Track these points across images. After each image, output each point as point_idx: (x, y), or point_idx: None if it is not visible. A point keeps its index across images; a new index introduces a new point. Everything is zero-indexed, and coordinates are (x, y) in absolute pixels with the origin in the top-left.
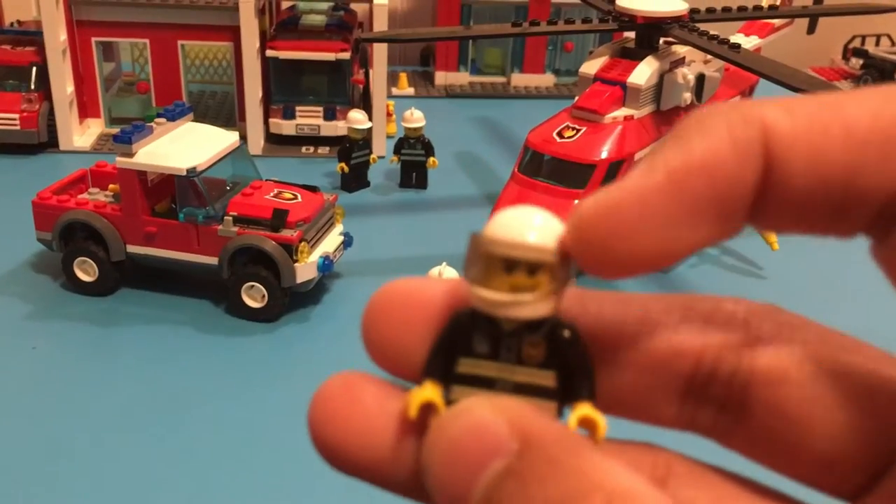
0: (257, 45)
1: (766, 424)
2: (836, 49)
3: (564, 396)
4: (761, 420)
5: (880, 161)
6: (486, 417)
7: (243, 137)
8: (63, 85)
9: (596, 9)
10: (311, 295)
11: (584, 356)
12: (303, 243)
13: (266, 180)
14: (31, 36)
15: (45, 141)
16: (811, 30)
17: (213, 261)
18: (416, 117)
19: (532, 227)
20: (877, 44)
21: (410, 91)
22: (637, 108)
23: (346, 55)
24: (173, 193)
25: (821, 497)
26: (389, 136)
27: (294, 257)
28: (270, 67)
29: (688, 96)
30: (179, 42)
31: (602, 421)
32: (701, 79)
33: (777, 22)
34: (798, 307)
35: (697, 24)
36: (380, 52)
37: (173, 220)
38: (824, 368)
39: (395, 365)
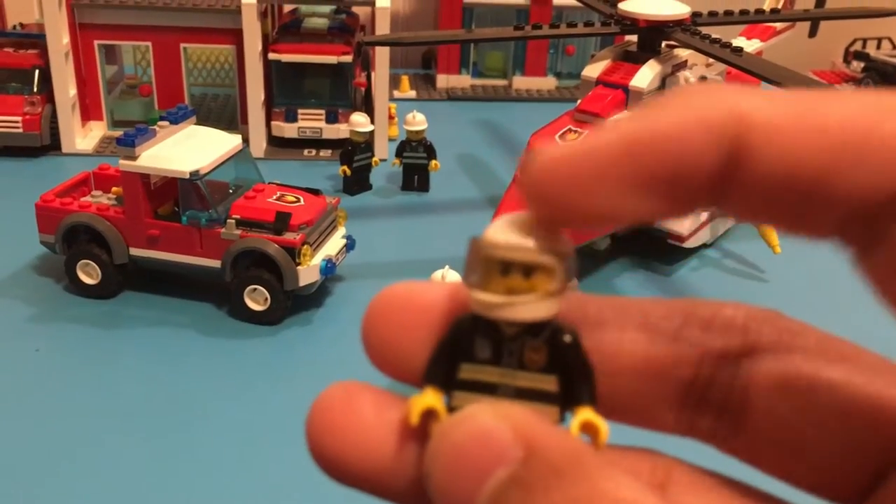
0: (259, 48)
1: (764, 432)
2: (838, 52)
3: (566, 401)
4: (759, 428)
5: (853, 165)
6: (490, 424)
7: (245, 140)
8: (65, 88)
9: (598, 12)
10: (313, 298)
11: (584, 361)
12: (305, 246)
13: (269, 183)
14: (33, 39)
15: (47, 144)
16: (813, 33)
17: (216, 264)
18: (418, 120)
19: (527, 230)
20: (878, 47)
21: (412, 94)
22: None
23: (348, 58)
24: (176, 196)
25: (820, 503)
26: (391, 139)
27: (297, 260)
28: (273, 70)
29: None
30: (182, 45)
31: (604, 426)
32: (703, 82)
33: (779, 25)
34: (799, 311)
35: (699, 28)
36: (382, 55)
37: (176, 223)
38: (821, 379)
39: (395, 369)
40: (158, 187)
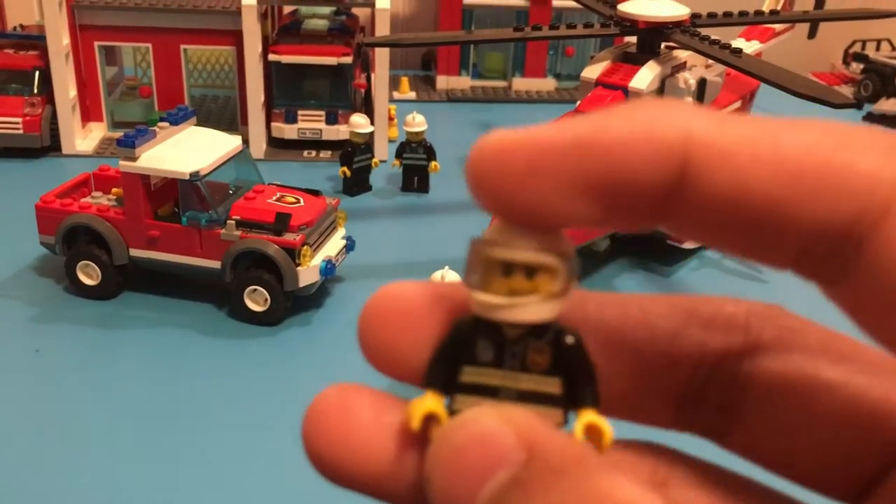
0: (259, 49)
1: (763, 430)
2: (837, 54)
3: (569, 403)
4: (758, 425)
5: (808, 197)
6: (492, 427)
7: (245, 141)
8: (66, 89)
9: (598, 13)
10: (313, 298)
11: (587, 363)
12: (305, 247)
13: (269, 184)
14: (33, 40)
15: (47, 145)
16: (812, 34)
17: (216, 264)
18: (417, 121)
19: (529, 230)
20: (877, 48)
21: (412, 95)
22: None
23: (348, 59)
24: (176, 197)
25: (821, 499)
26: (391, 141)
27: (296, 261)
28: (272, 71)
29: (689, 101)
30: (182, 46)
31: (608, 428)
32: (702, 83)
33: (778, 27)
34: (798, 311)
35: (699, 29)
36: (381, 56)
37: (176, 223)
38: (821, 378)
39: (393, 369)
40: (158, 188)
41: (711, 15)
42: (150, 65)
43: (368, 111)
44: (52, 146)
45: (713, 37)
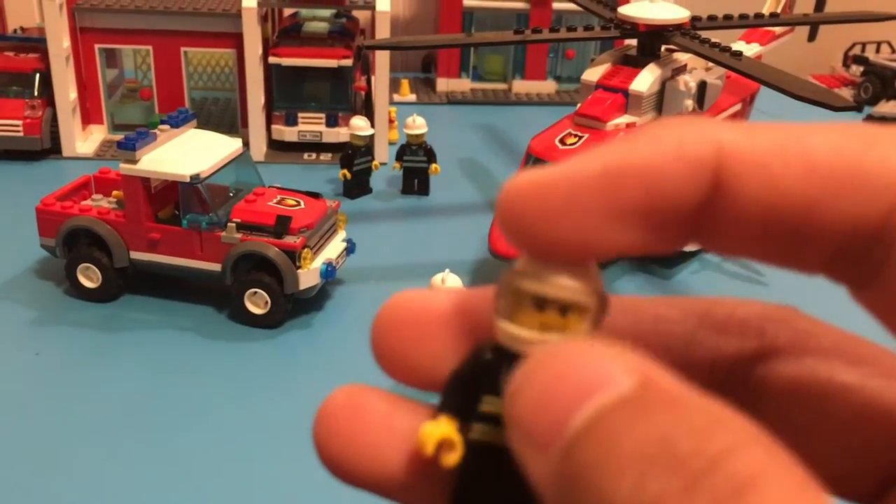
0: (260, 51)
1: (778, 433)
2: (837, 56)
3: None
4: (773, 429)
5: (840, 195)
6: (600, 349)
7: (245, 144)
8: (66, 91)
9: (598, 16)
10: (313, 301)
11: None
12: (306, 250)
13: (269, 187)
14: (34, 43)
15: (48, 147)
16: (812, 37)
17: (217, 267)
18: (418, 124)
19: (567, 264)
20: (877, 51)
21: (412, 98)
22: (639, 116)
23: (349, 62)
24: (177, 200)
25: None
26: (391, 143)
27: (297, 264)
28: (273, 74)
29: (690, 103)
30: (182, 49)
31: None
32: (703, 86)
33: (778, 29)
34: (805, 308)
35: (699, 32)
36: (382, 58)
37: (177, 226)
38: (835, 383)
39: (408, 377)
40: (159, 191)
41: (711, 18)
42: (150, 67)
43: (369, 114)
44: (52, 149)
45: (713, 40)
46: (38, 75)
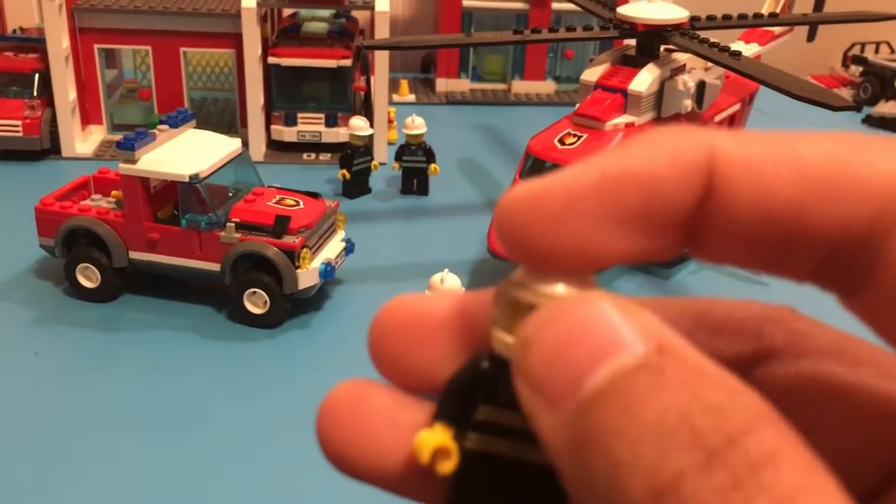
0: (259, 52)
1: None
2: (836, 56)
3: None
4: None
5: (828, 201)
6: (615, 313)
7: (245, 144)
8: (65, 92)
9: (597, 16)
10: (312, 301)
11: None
12: (305, 250)
13: (268, 187)
14: (33, 43)
15: (47, 147)
16: (811, 37)
17: (216, 267)
18: (417, 124)
19: (564, 274)
20: (876, 51)
21: (411, 98)
22: (638, 116)
23: (348, 62)
24: (176, 200)
25: None
26: (391, 143)
27: (296, 264)
28: (272, 74)
29: (688, 103)
30: (181, 49)
31: None
32: (701, 86)
33: (777, 29)
34: (804, 309)
35: (698, 32)
36: (381, 59)
37: (176, 226)
38: (833, 385)
39: (404, 381)
40: (158, 191)
41: (710, 18)
42: (149, 67)
43: (368, 114)
44: (51, 149)
45: (712, 40)
46: (37, 75)
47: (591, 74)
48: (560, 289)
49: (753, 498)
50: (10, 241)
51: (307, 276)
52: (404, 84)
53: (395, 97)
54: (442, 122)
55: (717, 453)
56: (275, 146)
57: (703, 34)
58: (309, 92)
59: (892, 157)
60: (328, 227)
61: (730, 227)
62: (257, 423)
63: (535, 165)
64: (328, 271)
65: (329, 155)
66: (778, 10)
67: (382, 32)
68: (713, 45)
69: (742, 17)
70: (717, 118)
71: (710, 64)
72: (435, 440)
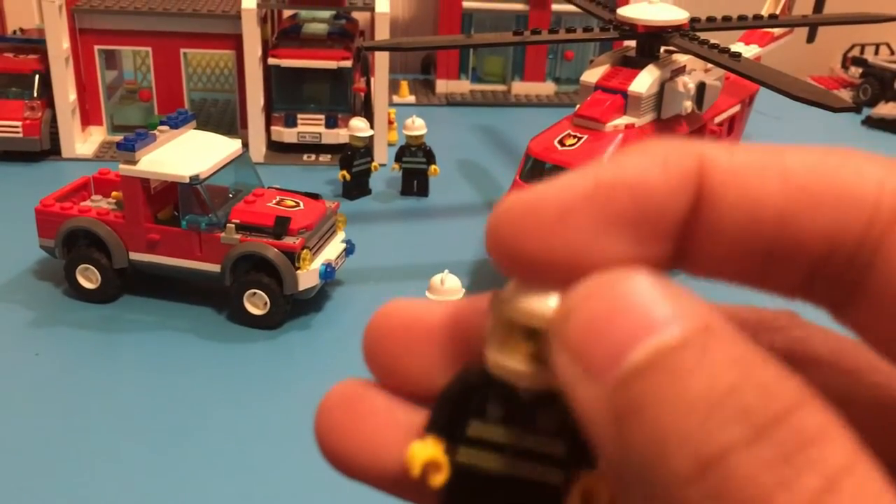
0: (259, 53)
1: None
2: (836, 58)
3: (573, 465)
4: None
5: (815, 210)
6: (655, 288)
7: (245, 145)
8: (65, 93)
9: (597, 17)
10: (312, 302)
11: None
12: (305, 251)
13: (268, 188)
14: (33, 44)
15: (47, 148)
16: (811, 38)
17: (216, 268)
18: (417, 125)
19: (557, 290)
20: (876, 52)
21: (411, 99)
22: (638, 117)
23: (348, 63)
24: (176, 201)
25: None
26: (391, 144)
27: (296, 265)
28: (272, 75)
29: (688, 105)
30: (182, 50)
31: (606, 494)
32: (701, 87)
33: (777, 31)
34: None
35: (698, 33)
36: (381, 60)
37: (176, 227)
38: (832, 392)
39: (398, 386)
40: (158, 192)
41: (710, 19)
42: (149, 68)
43: (368, 115)
44: (51, 150)
45: (712, 41)
46: (37, 76)
47: (591, 76)
48: (553, 304)
49: (802, 472)
50: (10, 242)
51: (307, 277)
52: (404, 85)
53: (395, 98)
54: (442, 123)
55: (767, 428)
56: (275, 147)
57: (703, 35)
58: (309, 93)
59: (877, 165)
60: (328, 229)
61: (719, 237)
62: (257, 423)
63: (535, 167)
64: (328, 272)
65: (329, 156)
66: (778, 12)
67: (382, 34)
68: (713, 46)
69: (742, 18)
70: (717, 119)
71: (710, 65)
72: (426, 453)
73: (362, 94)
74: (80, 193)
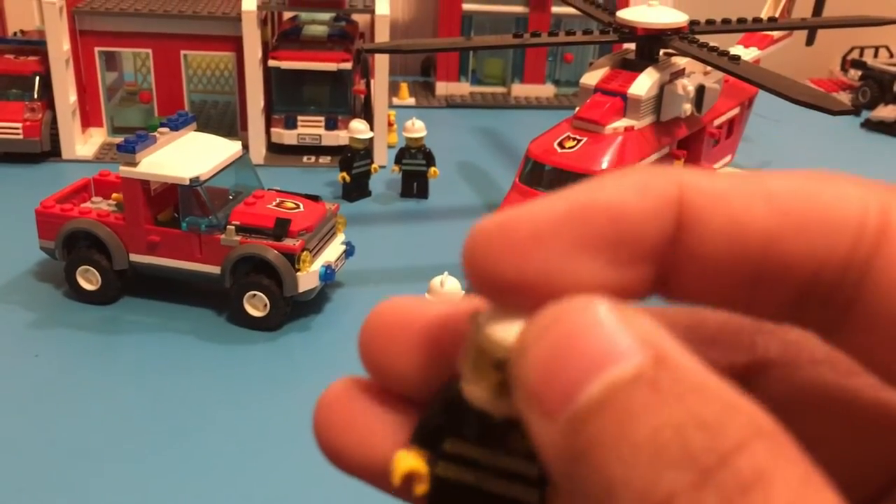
0: (259, 55)
1: None
2: (835, 61)
3: (548, 485)
4: None
5: (801, 233)
6: (612, 322)
7: (245, 147)
8: (66, 94)
9: (597, 20)
10: (312, 304)
11: None
12: (305, 252)
13: (268, 190)
14: (34, 45)
15: (47, 150)
16: (810, 41)
17: (216, 270)
18: (417, 127)
19: (529, 312)
20: (875, 55)
21: (411, 101)
22: (637, 119)
23: (348, 65)
24: (176, 203)
25: None
26: (390, 146)
27: (296, 266)
28: (272, 77)
29: (688, 107)
30: (182, 52)
31: None
32: (701, 90)
33: (776, 34)
34: None
35: (697, 36)
36: (381, 62)
37: (176, 229)
38: (829, 394)
39: (390, 384)
40: (158, 193)
41: (710, 22)
42: (150, 70)
43: (368, 117)
44: (52, 151)
45: (712, 44)
46: (37, 78)
47: (591, 78)
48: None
49: None
50: (10, 244)
51: (307, 278)
52: (404, 87)
53: (395, 100)
54: (442, 125)
55: (710, 472)
56: (275, 149)
57: (702, 38)
58: (309, 95)
59: (859, 186)
60: (328, 230)
61: (704, 261)
62: (257, 425)
63: (534, 169)
64: (328, 274)
65: (329, 158)
66: (777, 15)
67: (382, 36)
68: (712, 49)
69: (741, 21)
70: (717, 122)
71: (709, 68)
72: (407, 464)
73: (362, 96)
74: (80, 195)
